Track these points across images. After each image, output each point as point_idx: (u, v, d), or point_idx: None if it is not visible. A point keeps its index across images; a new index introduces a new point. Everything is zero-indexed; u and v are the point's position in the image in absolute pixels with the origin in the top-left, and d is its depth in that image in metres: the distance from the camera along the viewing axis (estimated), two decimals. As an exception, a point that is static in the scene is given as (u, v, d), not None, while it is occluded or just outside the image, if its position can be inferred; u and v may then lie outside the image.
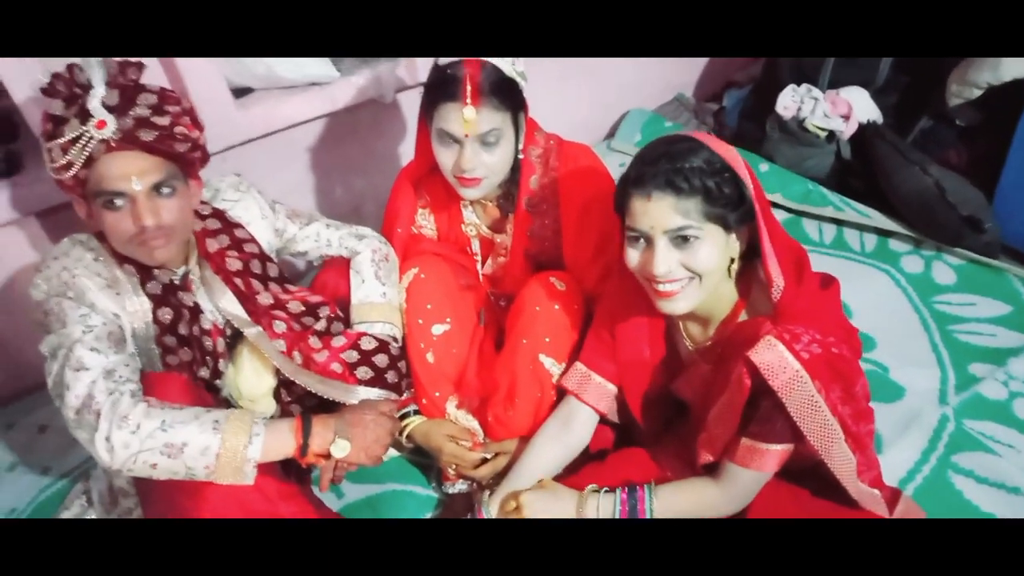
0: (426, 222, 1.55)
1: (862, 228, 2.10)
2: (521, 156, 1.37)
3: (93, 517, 1.44)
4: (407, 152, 2.15)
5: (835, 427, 1.06)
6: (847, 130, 2.20)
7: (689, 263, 1.06)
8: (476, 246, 1.55)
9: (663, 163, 1.04)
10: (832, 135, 2.23)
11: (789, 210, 2.19)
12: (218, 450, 1.09)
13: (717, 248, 1.07)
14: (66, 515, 1.47)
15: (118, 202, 1.12)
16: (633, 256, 1.11)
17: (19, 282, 1.76)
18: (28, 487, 1.62)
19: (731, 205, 1.05)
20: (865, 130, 2.19)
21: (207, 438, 1.09)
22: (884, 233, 2.07)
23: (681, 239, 1.05)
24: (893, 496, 1.28)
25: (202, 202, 1.32)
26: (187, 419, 1.10)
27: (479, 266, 1.57)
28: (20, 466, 1.68)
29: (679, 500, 1.18)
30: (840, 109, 2.20)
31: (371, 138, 2.09)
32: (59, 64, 1.12)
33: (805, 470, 1.19)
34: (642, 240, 1.09)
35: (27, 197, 1.62)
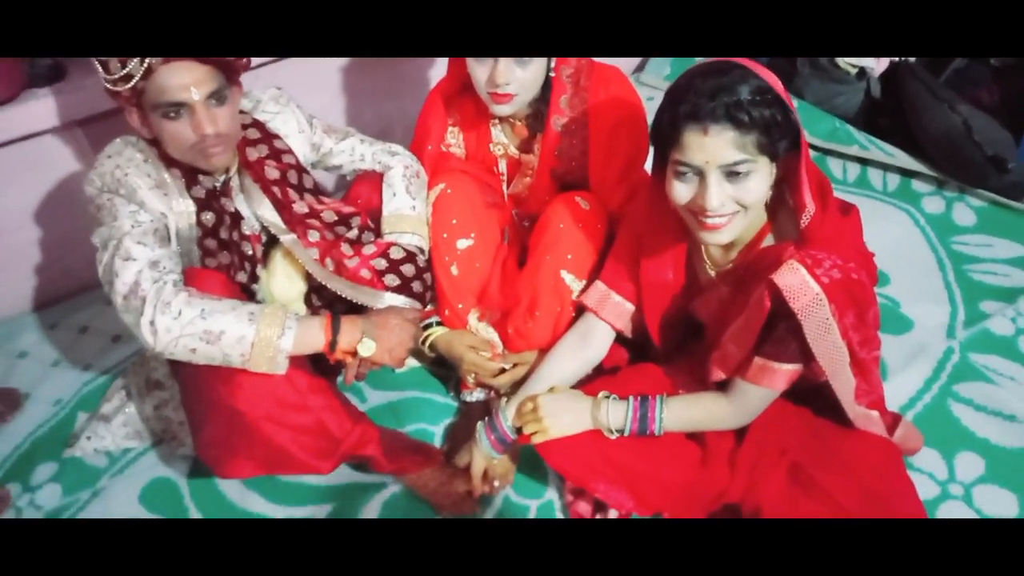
0: (455, 140, 1.59)
1: (886, 168, 2.11)
2: (553, 75, 1.39)
3: (130, 410, 1.54)
4: (435, 75, 2.16)
5: (843, 351, 1.10)
6: (878, 67, 2.19)
7: (740, 196, 1.06)
8: (503, 166, 1.58)
9: (721, 96, 1.00)
10: (863, 72, 2.21)
11: (815, 148, 2.20)
12: (253, 339, 1.16)
13: (765, 179, 1.07)
14: (107, 407, 1.58)
15: (177, 112, 1.17)
16: (681, 190, 1.08)
17: (62, 188, 1.82)
18: (72, 382, 1.72)
19: (784, 135, 1.04)
20: (897, 68, 2.17)
21: (243, 327, 1.16)
22: (908, 174, 2.08)
23: (734, 173, 1.04)
24: (894, 420, 1.34)
25: (242, 111, 1.36)
26: (225, 309, 1.17)
27: (505, 186, 1.61)
28: (63, 363, 1.79)
29: (689, 411, 1.24)
30: (873, 46, 2.18)
31: (400, 60, 2.11)
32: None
33: (808, 390, 1.25)
34: (691, 174, 1.07)
35: (71, 104, 1.67)
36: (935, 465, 1.40)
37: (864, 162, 2.14)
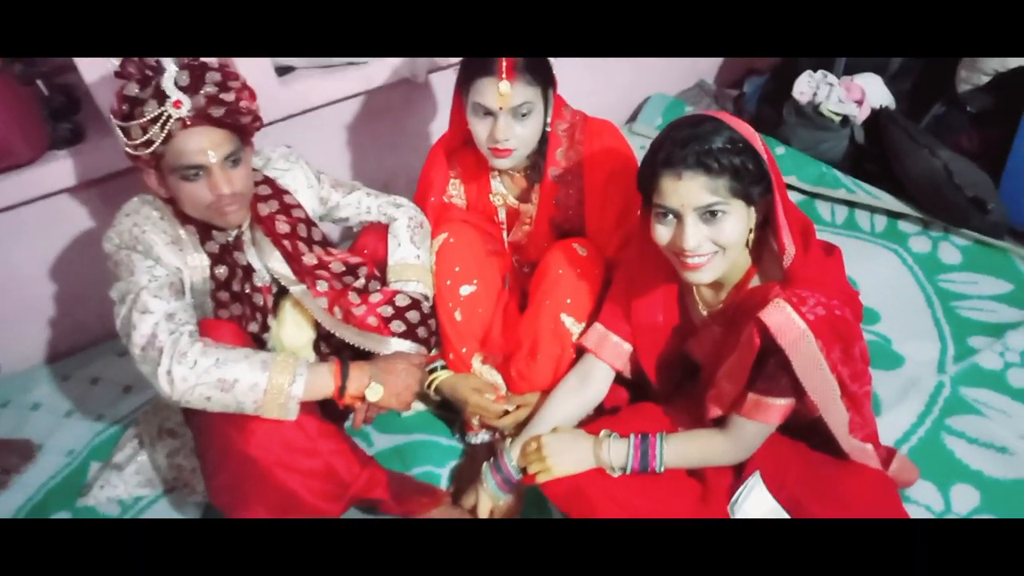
0: (456, 191, 1.66)
1: (873, 210, 2.17)
2: (549, 129, 1.47)
3: (142, 459, 1.57)
4: (436, 130, 2.25)
5: (833, 384, 1.15)
6: (860, 115, 2.27)
7: (716, 237, 1.13)
8: (503, 215, 1.65)
9: (693, 144, 1.10)
10: (846, 120, 2.30)
11: (804, 192, 2.27)
12: (266, 386, 1.20)
13: (741, 221, 1.14)
14: (119, 456, 1.61)
15: (195, 174, 1.24)
16: (662, 232, 1.17)
17: (76, 245, 1.89)
18: (84, 432, 1.75)
19: (755, 181, 1.12)
20: (878, 115, 2.26)
21: (256, 375, 1.20)
22: (894, 215, 2.14)
23: (710, 214, 1.12)
24: (888, 454, 1.37)
25: (254, 169, 1.42)
26: (238, 358, 1.21)
27: (505, 234, 1.67)
28: (76, 413, 1.82)
29: (688, 447, 1.27)
30: (854, 95, 2.27)
31: (403, 116, 2.20)
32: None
33: (804, 426, 1.28)
34: (671, 216, 1.15)
35: (88, 165, 1.75)
36: (931, 498, 1.42)
37: (852, 205, 2.21)
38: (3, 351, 1.94)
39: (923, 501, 1.42)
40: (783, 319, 1.10)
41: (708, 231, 1.13)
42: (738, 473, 1.29)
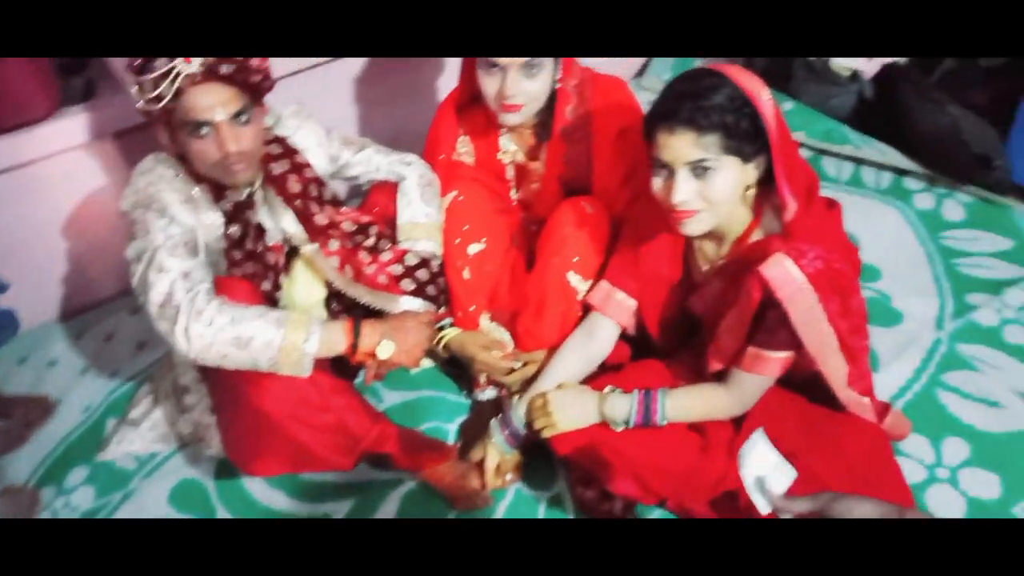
0: (465, 149, 1.66)
1: (879, 166, 2.18)
2: (558, 86, 1.46)
3: (157, 415, 1.62)
4: (444, 84, 2.24)
5: (831, 337, 1.18)
6: (870, 70, 2.26)
7: (706, 192, 1.15)
8: (511, 173, 1.66)
9: (687, 101, 1.12)
10: (856, 75, 2.28)
11: (811, 148, 2.26)
12: (280, 343, 1.23)
13: (732, 178, 1.16)
14: (135, 412, 1.65)
15: (203, 130, 1.25)
16: (657, 183, 1.20)
17: (88, 202, 1.91)
18: (100, 388, 1.79)
19: (748, 138, 1.14)
20: (889, 70, 2.24)
21: (271, 333, 1.23)
22: (900, 172, 2.14)
23: (701, 169, 1.14)
24: (883, 409, 1.41)
25: (265, 128, 1.42)
26: (254, 316, 1.24)
27: (513, 192, 1.68)
28: (91, 370, 1.85)
29: (690, 402, 1.31)
30: (864, 49, 2.25)
31: (411, 70, 2.18)
32: None
33: (802, 380, 1.32)
34: (665, 169, 1.18)
35: (101, 120, 1.76)
36: (923, 450, 1.47)
37: (858, 161, 2.21)
38: (20, 307, 1.97)
39: (916, 454, 1.47)
40: (782, 272, 1.13)
41: (699, 186, 1.15)
42: (737, 426, 1.34)
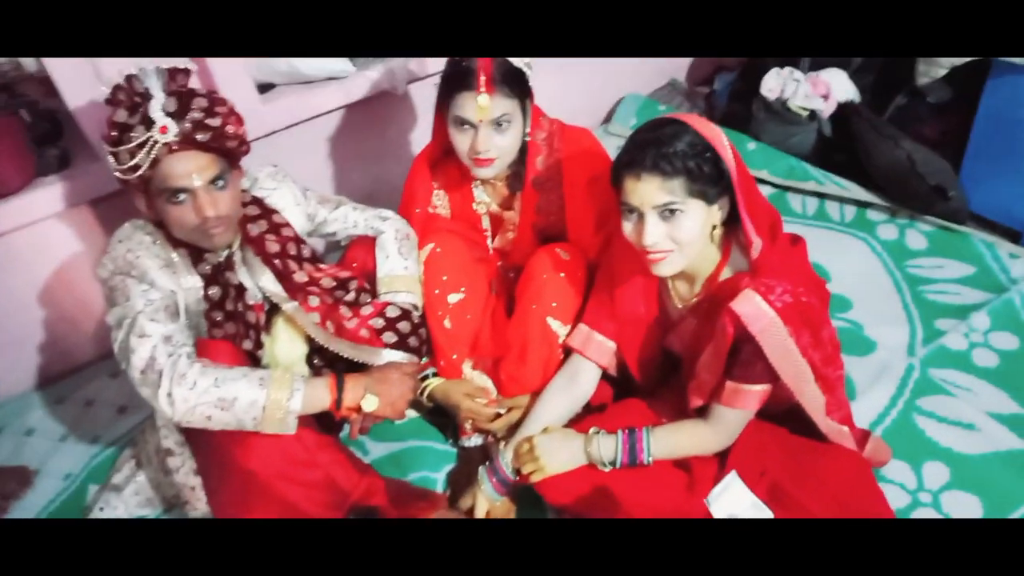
0: (440, 202, 1.70)
1: (842, 200, 2.25)
2: (528, 139, 1.52)
3: (141, 479, 1.60)
4: (418, 140, 2.29)
5: (805, 368, 1.22)
6: (827, 109, 2.35)
7: (674, 234, 1.20)
8: (486, 223, 1.70)
9: (651, 148, 1.18)
10: (814, 114, 2.38)
11: (775, 185, 2.34)
12: (264, 403, 1.24)
13: (699, 220, 1.21)
14: (117, 477, 1.62)
15: (181, 197, 1.27)
16: (627, 227, 1.25)
17: (65, 269, 1.90)
18: (81, 455, 1.76)
19: (711, 181, 1.19)
20: (844, 109, 2.34)
21: (254, 393, 1.24)
22: (862, 204, 2.22)
23: (668, 212, 1.19)
24: (863, 436, 1.44)
25: (242, 190, 1.45)
26: (237, 377, 1.25)
27: (489, 241, 1.72)
28: (71, 437, 1.83)
29: (674, 438, 1.33)
30: (820, 90, 2.35)
31: (385, 128, 2.24)
32: (107, 64, 1.24)
33: (783, 412, 1.35)
34: (635, 213, 1.22)
35: (77, 189, 1.77)
36: (904, 476, 1.49)
37: (822, 196, 2.28)
38: (-3, 377, 1.95)
39: (897, 479, 1.49)
40: (753, 308, 1.16)
41: (667, 228, 1.20)
42: (722, 461, 1.35)
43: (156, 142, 1.22)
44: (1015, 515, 1.42)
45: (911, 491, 1.47)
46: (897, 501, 1.44)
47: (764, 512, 0.90)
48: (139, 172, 1.24)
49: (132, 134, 1.23)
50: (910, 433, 1.57)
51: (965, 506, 1.44)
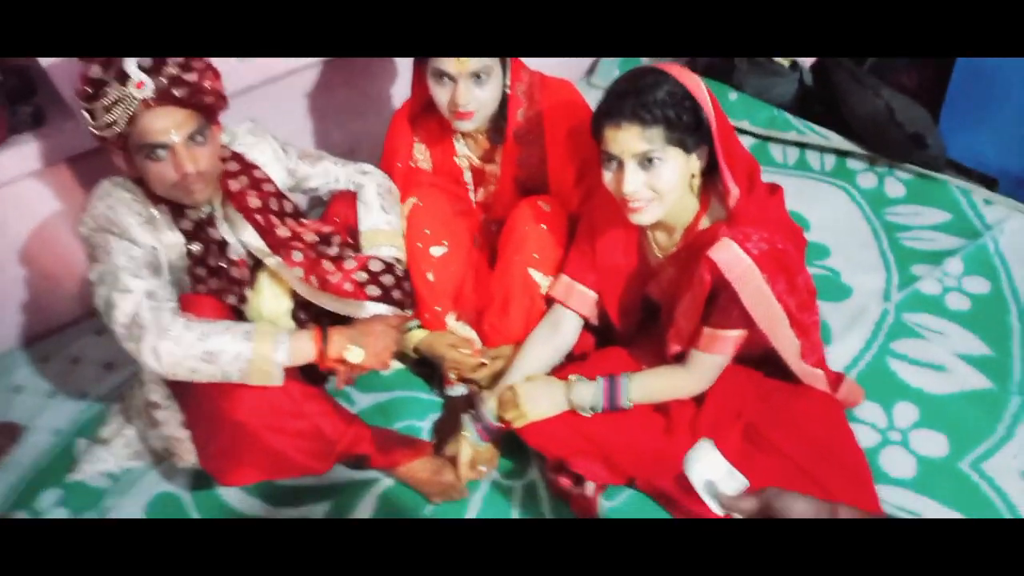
0: (422, 156, 1.70)
1: (822, 149, 2.26)
2: (508, 91, 1.51)
3: (129, 432, 1.62)
4: (399, 94, 2.27)
5: (780, 314, 1.25)
6: (807, 59, 2.35)
7: (653, 183, 1.22)
8: (468, 176, 1.70)
9: (631, 97, 1.18)
10: (795, 64, 2.37)
11: (756, 135, 2.34)
12: (250, 356, 1.26)
13: (678, 168, 1.22)
14: (106, 432, 1.64)
15: (160, 153, 1.26)
16: (607, 176, 1.26)
17: (46, 228, 1.89)
18: (69, 411, 1.78)
19: (689, 130, 1.20)
20: (825, 59, 2.33)
21: (239, 346, 1.25)
22: (842, 153, 2.23)
23: (647, 161, 1.20)
24: (837, 379, 1.48)
25: (222, 146, 1.44)
26: (221, 330, 1.26)
27: (472, 194, 1.72)
28: (59, 393, 1.84)
29: (653, 383, 1.37)
30: (802, 38, 2.34)
31: (364, 82, 2.20)
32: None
33: (758, 357, 1.38)
34: (614, 162, 1.24)
35: (53, 147, 1.74)
36: (876, 416, 1.55)
37: (802, 145, 2.29)
38: (-19, 337, 1.95)
39: (869, 419, 1.54)
40: (730, 256, 1.19)
41: (646, 177, 1.21)
42: (699, 404, 1.39)
43: (133, 98, 1.21)
44: (978, 450, 1.48)
45: (881, 430, 1.53)
46: (868, 440, 1.50)
47: (739, 478, 0.93)
48: (116, 129, 1.23)
49: (107, 90, 1.21)
50: (883, 375, 1.62)
51: (932, 443, 1.50)
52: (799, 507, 0.81)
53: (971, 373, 1.60)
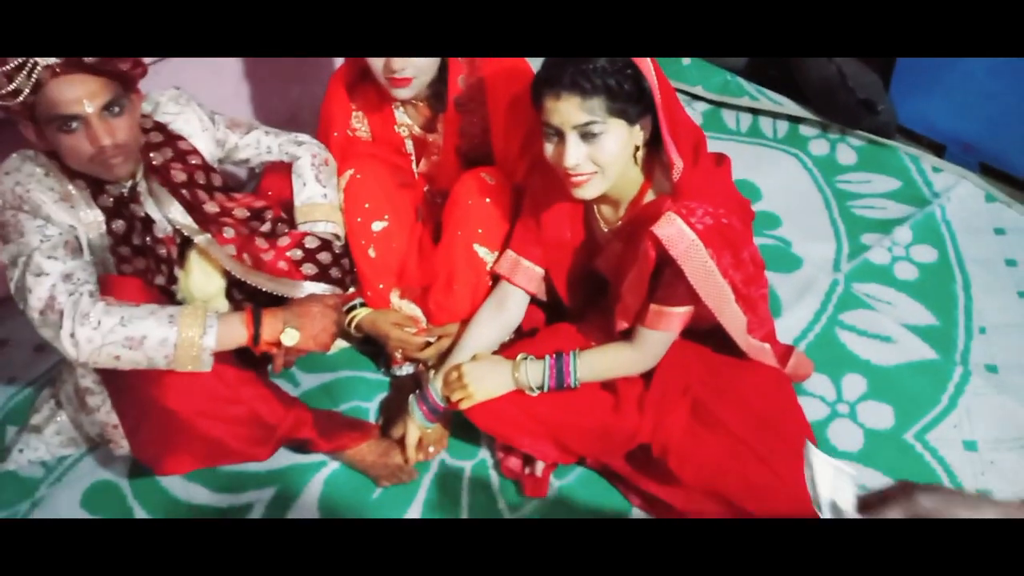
0: (360, 125, 1.62)
1: (775, 116, 2.24)
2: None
3: (62, 419, 1.55)
4: (340, 61, 2.17)
5: (726, 289, 1.22)
6: (761, 22, 2.31)
7: (595, 156, 1.17)
8: (410, 146, 1.63)
9: (569, 65, 1.13)
10: (749, 27, 2.33)
11: (709, 101, 2.31)
12: (175, 341, 1.19)
13: (620, 140, 1.18)
14: (37, 418, 1.57)
15: (73, 125, 1.17)
16: (549, 148, 1.21)
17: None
18: (-3, 396, 1.70)
19: (632, 100, 1.16)
20: (779, 21, 2.30)
21: (164, 331, 1.19)
22: (795, 120, 2.21)
23: (589, 133, 1.16)
24: (786, 352, 1.48)
25: (143, 116, 1.36)
26: (144, 314, 1.19)
27: (414, 165, 1.66)
28: (-14, 378, 1.75)
29: (600, 361, 1.34)
30: (756, 1, 2.30)
31: (301, 45, 2.11)
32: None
33: (706, 331, 1.36)
34: (555, 134, 1.19)
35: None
36: (825, 388, 1.55)
37: (755, 112, 2.27)
38: None
39: (818, 392, 1.55)
40: (674, 231, 1.16)
41: (588, 150, 1.17)
42: (647, 380, 1.37)
43: (37, 64, 1.12)
44: (923, 421, 1.49)
45: (830, 403, 1.53)
46: (816, 413, 1.50)
47: (847, 477, 0.76)
48: (19, 98, 1.13)
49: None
50: (832, 347, 1.62)
51: (879, 415, 1.51)
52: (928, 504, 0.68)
53: (917, 344, 1.61)
